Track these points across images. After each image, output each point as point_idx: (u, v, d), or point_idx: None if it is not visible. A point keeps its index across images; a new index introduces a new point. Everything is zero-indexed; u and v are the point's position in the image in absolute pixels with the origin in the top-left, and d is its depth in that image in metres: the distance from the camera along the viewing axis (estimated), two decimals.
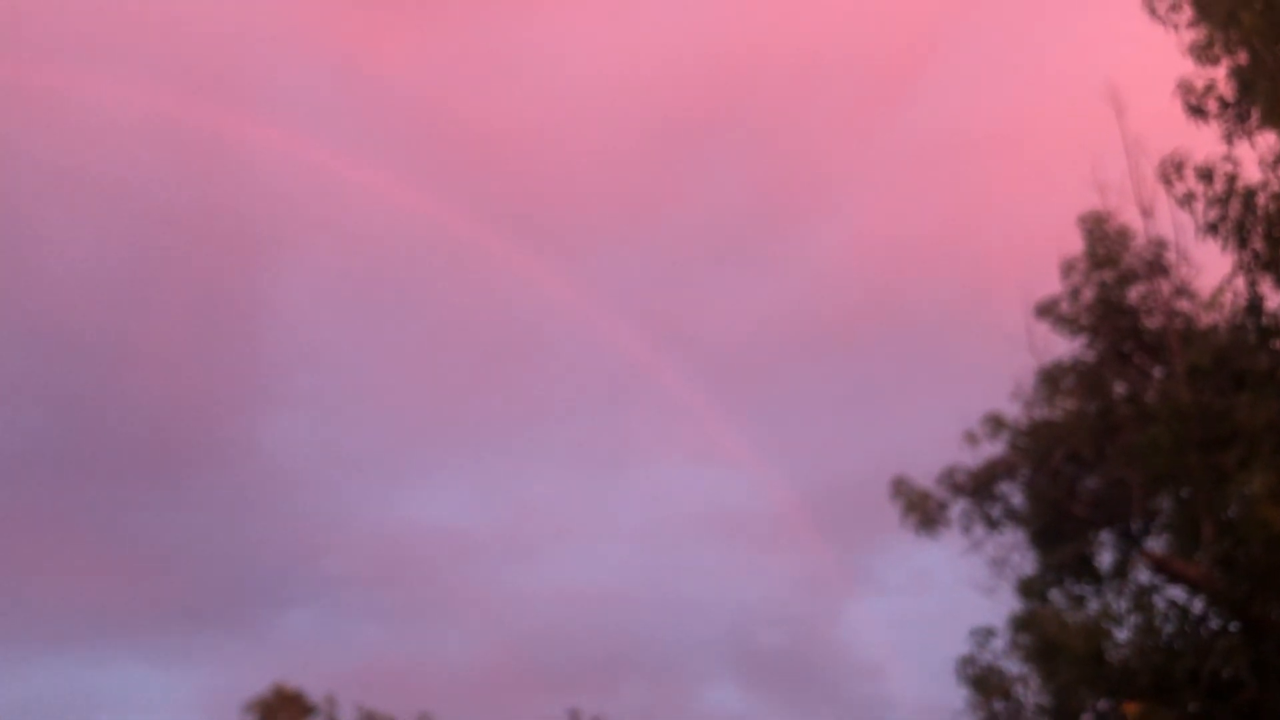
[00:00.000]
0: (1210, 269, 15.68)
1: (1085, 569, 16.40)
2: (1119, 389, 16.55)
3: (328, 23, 39.13)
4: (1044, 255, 17.42)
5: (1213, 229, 14.01)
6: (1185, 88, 14.25)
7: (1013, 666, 16.04)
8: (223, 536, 41.71)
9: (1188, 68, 14.25)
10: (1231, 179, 13.90)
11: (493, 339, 43.95)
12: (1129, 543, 16.18)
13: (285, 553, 42.15)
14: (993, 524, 17.10)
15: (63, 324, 40.81)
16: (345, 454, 45.14)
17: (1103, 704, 15.09)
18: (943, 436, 17.30)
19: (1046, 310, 17.09)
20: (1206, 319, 16.06)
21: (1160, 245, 16.52)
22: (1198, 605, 15.03)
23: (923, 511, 16.87)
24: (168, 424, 42.59)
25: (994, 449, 17.05)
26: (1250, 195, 13.73)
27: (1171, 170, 14.34)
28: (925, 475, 17.19)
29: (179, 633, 39.27)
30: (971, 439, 17.05)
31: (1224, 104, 14.08)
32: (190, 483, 42.92)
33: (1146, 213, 16.27)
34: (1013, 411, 17.07)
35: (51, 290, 40.34)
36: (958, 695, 16.39)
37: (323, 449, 44.81)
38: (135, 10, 37.04)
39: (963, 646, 16.40)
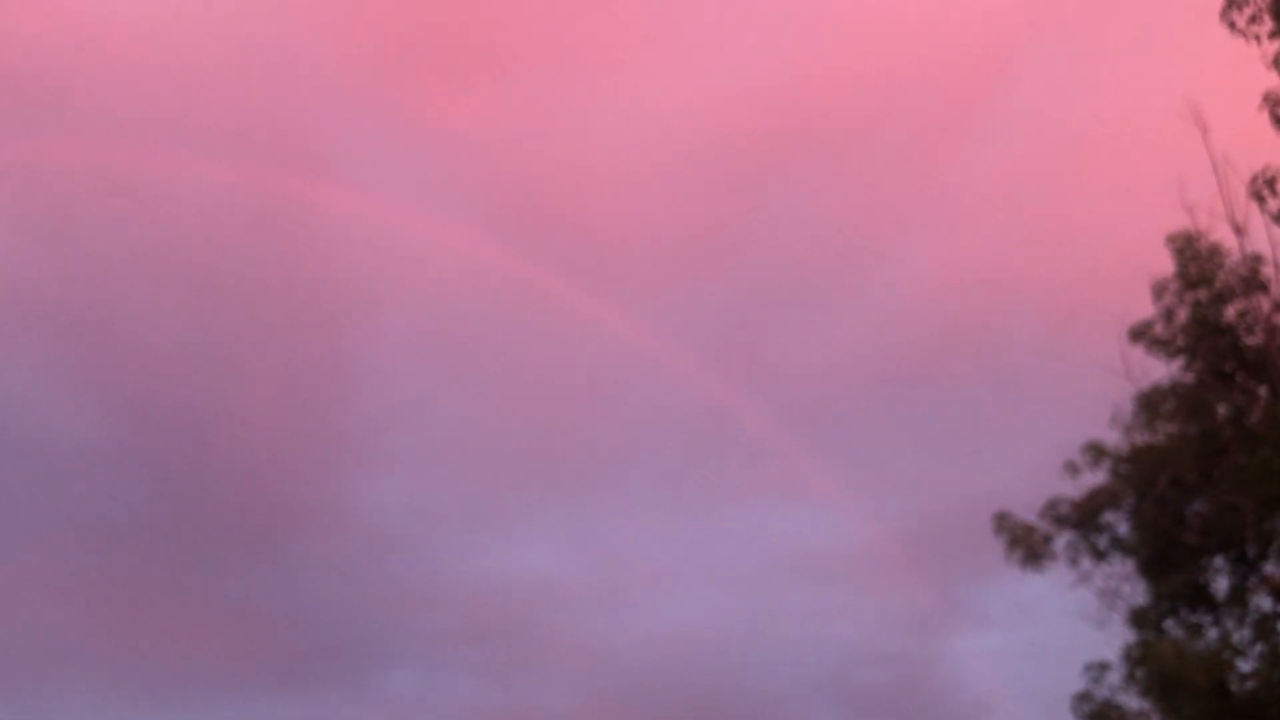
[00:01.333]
0: None
1: (1200, 597, 15.94)
2: (1222, 410, 16.14)
3: (396, 86, 39.94)
4: (1132, 279, 17.10)
5: None
6: (1273, 100, 13.98)
7: (1131, 702, 15.62)
8: (322, 598, 42.26)
9: (1271, 81, 14.01)
10: None
11: (575, 388, 44.14)
12: (1245, 568, 15.70)
13: (384, 611, 42.53)
14: (1100, 554, 16.72)
15: (161, 398, 41.82)
16: (437, 511, 45.53)
17: None
18: (1036, 467, 16.97)
19: (1140, 333, 16.76)
20: None
21: (1256, 261, 16.14)
22: None
23: (1028, 546, 16.55)
24: (264, 491, 43.32)
25: (1096, 478, 16.72)
26: None
27: (1264, 186, 14.06)
28: (1022, 507, 16.91)
29: (286, 695, 39.83)
30: (1072, 469, 16.73)
31: None
32: (289, 547, 43.59)
33: (1239, 230, 15.93)
34: (1111, 439, 16.73)
35: (149, 365, 41.38)
36: None
37: (415, 508, 45.24)
38: (209, 88, 38.07)
39: (1073, 681, 16.02)
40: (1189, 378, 16.48)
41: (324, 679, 41.95)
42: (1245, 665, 14.69)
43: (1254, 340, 16.14)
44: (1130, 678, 15.50)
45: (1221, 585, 15.99)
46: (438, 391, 44.73)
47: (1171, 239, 16.62)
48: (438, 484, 45.66)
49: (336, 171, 39.29)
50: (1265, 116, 14.10)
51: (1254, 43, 14.06)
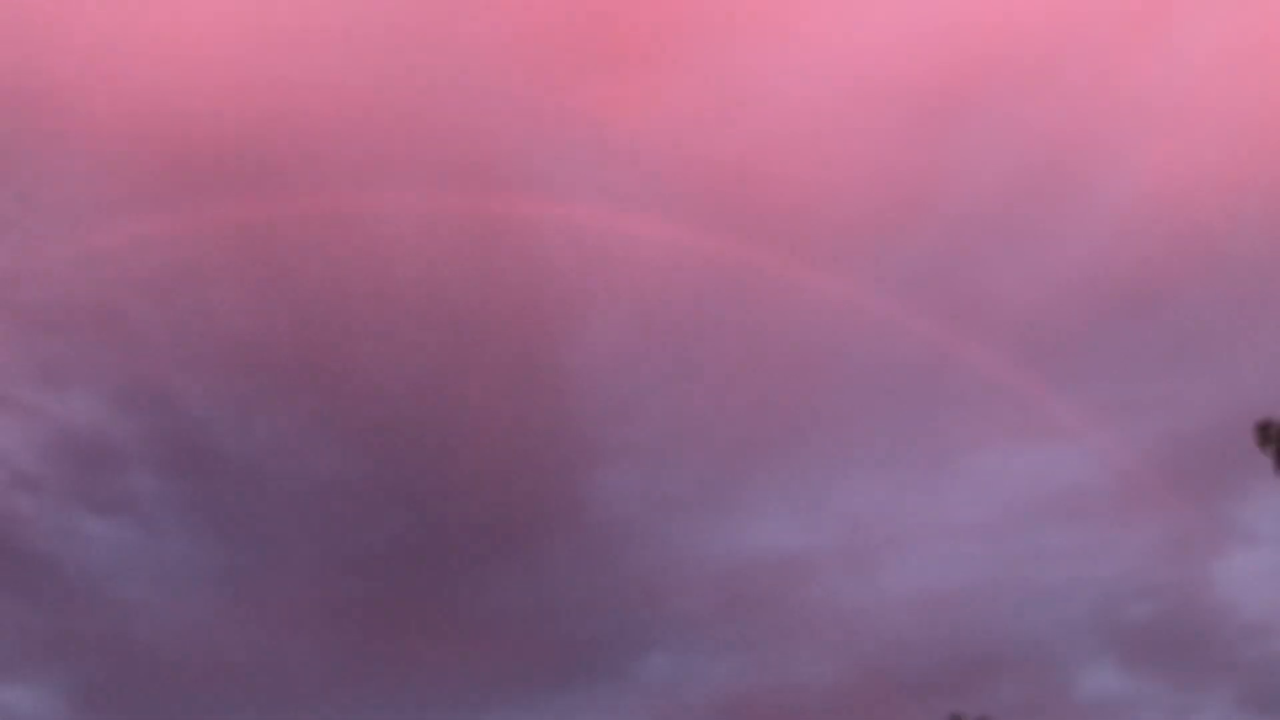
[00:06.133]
0: None
1: None
2: None
3: (569, 93, 40.53)
4: None
5: None
6: None
7: None
8: (573, 595, 43.54)
9: None
10: None
11: (791, 356, 43.86)
12: None
13: (633, 601, 43.48)
14: None
15: (400, 427, 43.82)
16: (669, 497, 46.16)
17: None
18: None
19: None
20: None
21: None
22: None
23: None
24: (504, 499, 44.89)
25: None
26: None
27: None
28: None
29: (551, 692, 41.22)
30: None
31: None
32: (534, 549, 45.06)
33: None
34: None
35: (385, 399, 43.43)
36: None
37: (649, 496, 46.02)
38: (394, 124, 39.49)
39: None
40: None
41: (584, 672, 43.22)
42: None
43: None
44: None
45: None
46: (657, 380, 45.30)
47: None
48: (669, 471, 46.28)
49: (527, 183, 40.27)
50: None
51: None
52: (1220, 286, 36.81)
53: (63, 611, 41.83)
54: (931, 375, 42.02)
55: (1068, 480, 39.84)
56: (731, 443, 45.55)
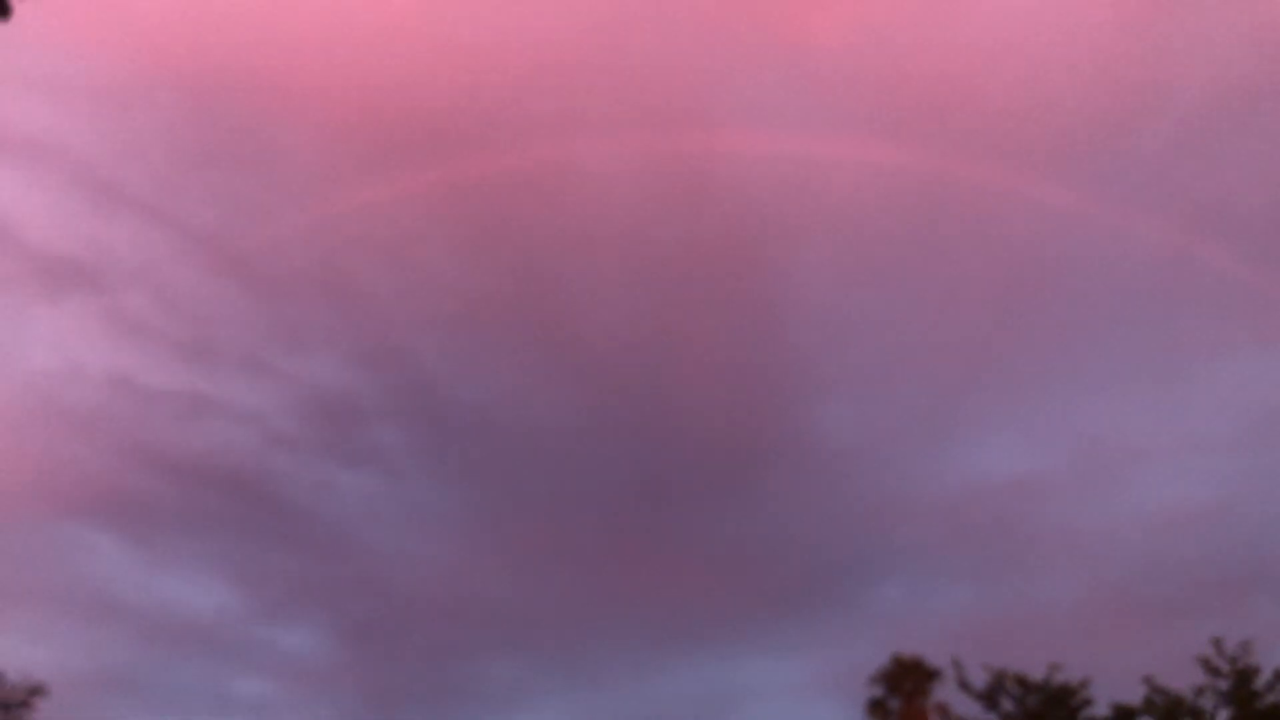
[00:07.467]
0: None
1: None
2: None
3: (767, 21, 39.75)
4: None
5: None
6: None
7: None
8: (799, 527, 43.66)
9: None
10: None
11: (1013, 273, 42.20)
12: None
13: (860, 531, 43.23)
14: None
15: (621, 371, 44.93)
16: (893, 426, 45.50)
17: None
18: None
19: None
20: None
21: None
22: None
23: None
24: (727, 435, 45.34)
25: None
26: None
27: None
28: None
29: (784, 623, 41.59)
30: None
31: None
32: (760, 483, 45.37)
33: None
34: None
35: (604, 344, 44.55)
36: None
37: (870, 425, 45.49)
38: (597, 70, 39.71)
39: None
40: None
41: (817, 602, 43.36)
42: None
43: None
44: None
45: None
46: (870, 306, 44.54)
47: None
48: (891, 398, 45.58)
49: (729, 117, 39.93)
50: None
51: None
52: None
53: (324, 559, 45.22)
54: (1166, 281, 39.71)
55: None
56: (951, 367, 44.42)
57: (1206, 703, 23.67)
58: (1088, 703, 24.81)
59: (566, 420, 46.61)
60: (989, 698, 25.10)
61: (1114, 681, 25.19)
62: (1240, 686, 23.43)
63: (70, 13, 32.67)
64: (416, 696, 40.58)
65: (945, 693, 26.16)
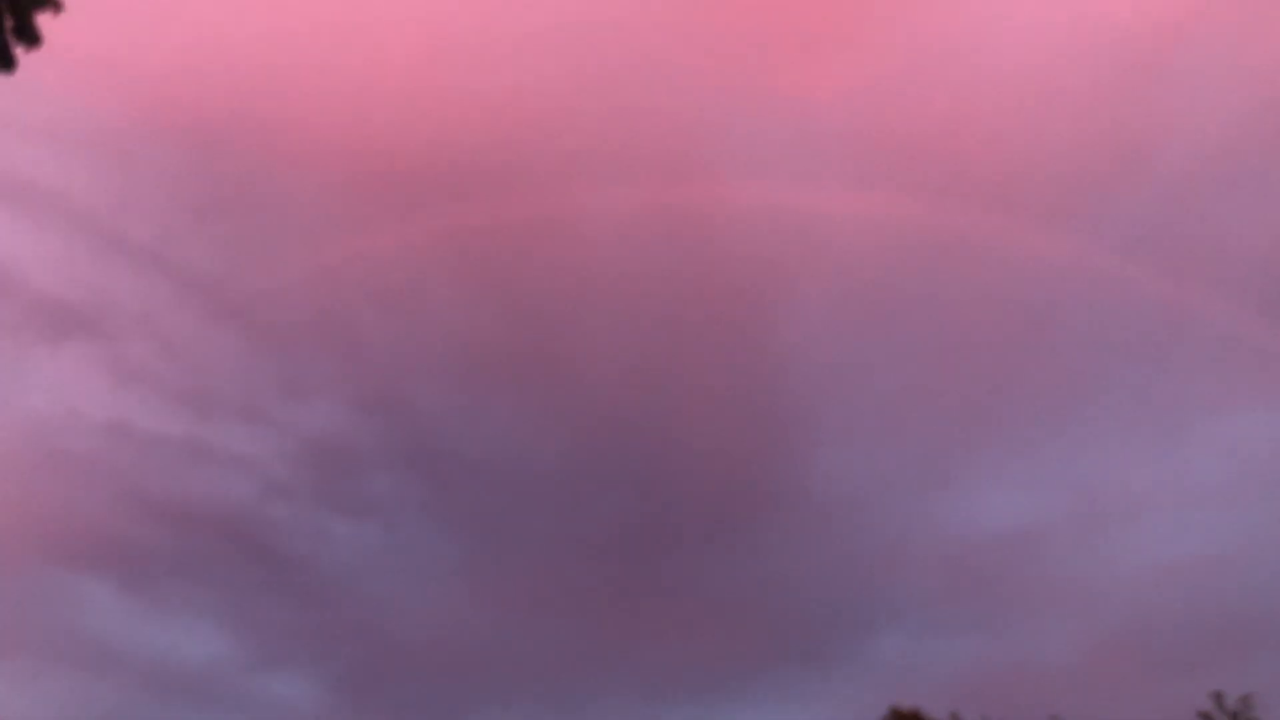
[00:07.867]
0: None
1: None
2: None
3: (765, 77, 40.21)
4: None
5: None
6: None
7: None
8: (798, 576, 43.43)
9: None
10: None
11: (1009, 324, 42.32)
12: None
13: (859, 580, 42.99)
14: None
15: (618, 415, 44.90)
16: (890, 476, 45.38)
17: None
18: None
19: None
20: None
21: None
22: None
23: None
24: (723, 483, 45.25)
25: None
26: None
27: None
28: None
29: (783, 673, 41.24)
30: None
31: None
32: (756, 531, 45.19)
33: None
34: None
35: (600, 388, 44.57)
36: None
37: (870, 474, 45.36)
38: (599, 121, 40.04)
39: None
40: None
41: (815, 652, 43.01)
42: None
43: None
44: None
45: None
46: (869, 356, 44.59)
47: None
48: (890, 448, 45.49)
49: (728, 169, 40.27)
50: None
51: None
52: None
53: (319, 607, 44.93)
54: (1163, 334, 39.81)
55: None
56: (953, 415, 44.40)
57: None
58: None
59: (565, 469, 46.58)
60: None
61: None
62: None
63: (74, 63, 33.03)
64: None
65: None
